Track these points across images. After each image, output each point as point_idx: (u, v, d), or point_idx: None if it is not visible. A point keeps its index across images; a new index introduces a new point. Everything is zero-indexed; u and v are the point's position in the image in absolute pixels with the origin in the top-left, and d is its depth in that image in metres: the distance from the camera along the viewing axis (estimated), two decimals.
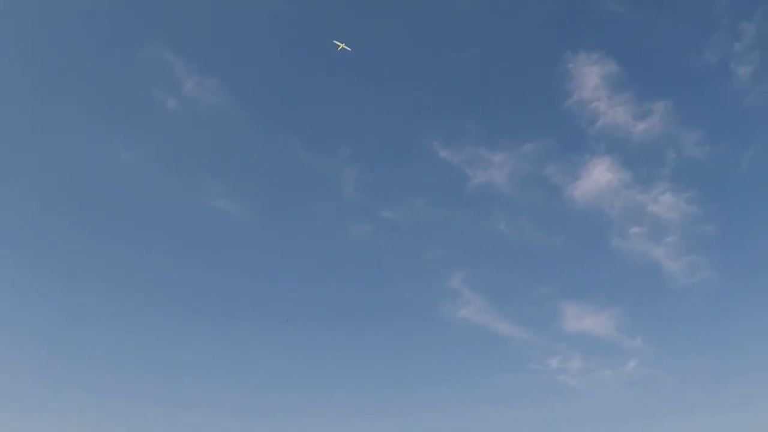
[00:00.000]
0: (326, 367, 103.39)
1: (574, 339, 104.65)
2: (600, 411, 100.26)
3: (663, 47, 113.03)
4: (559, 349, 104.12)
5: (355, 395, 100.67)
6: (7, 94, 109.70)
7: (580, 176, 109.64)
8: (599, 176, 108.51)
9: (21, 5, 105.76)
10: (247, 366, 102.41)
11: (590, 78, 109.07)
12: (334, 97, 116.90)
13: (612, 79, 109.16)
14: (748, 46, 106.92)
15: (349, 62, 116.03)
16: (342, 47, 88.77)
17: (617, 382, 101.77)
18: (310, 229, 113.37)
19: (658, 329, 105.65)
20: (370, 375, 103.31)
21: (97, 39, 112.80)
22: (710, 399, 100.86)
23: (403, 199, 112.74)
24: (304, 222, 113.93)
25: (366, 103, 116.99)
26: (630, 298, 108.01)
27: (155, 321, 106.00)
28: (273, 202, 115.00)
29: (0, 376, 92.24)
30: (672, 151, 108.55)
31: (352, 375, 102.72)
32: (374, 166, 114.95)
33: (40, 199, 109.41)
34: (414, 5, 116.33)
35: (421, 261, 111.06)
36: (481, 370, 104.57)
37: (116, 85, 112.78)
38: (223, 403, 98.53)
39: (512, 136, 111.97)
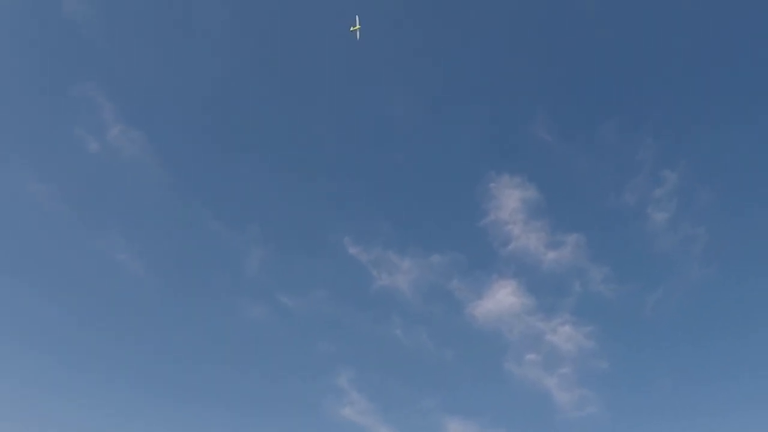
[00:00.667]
0: None
1: None
2: None
3: (585, 182, 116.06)
4: None
5: None
6: None
7: (484, 295, 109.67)
8: (503, 298, 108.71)
9: None
10: None
11: (509, 200, 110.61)
12: (254, 175, 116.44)
13: (531, 204, 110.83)
14: (668, 194, 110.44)
15: (274, 146, 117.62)
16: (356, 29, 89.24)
17: None
18: (207, 299, 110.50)
19: None
20: None
21: (29, 68, 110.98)
22: None
23: (305, 287, 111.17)
24: (202, 292, 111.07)
25: (284, 187, 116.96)
26: (516, 423, 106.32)
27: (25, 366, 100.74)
28: (175, 266, 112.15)
29: None
30: (578, 285, 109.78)
31: None
32: (281, 250, 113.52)
33: None
34: (346, 98, 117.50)
35: (312, 353, 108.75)
36: None
37: (38, 116, 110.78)
38: None
39: (423, 245, 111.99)
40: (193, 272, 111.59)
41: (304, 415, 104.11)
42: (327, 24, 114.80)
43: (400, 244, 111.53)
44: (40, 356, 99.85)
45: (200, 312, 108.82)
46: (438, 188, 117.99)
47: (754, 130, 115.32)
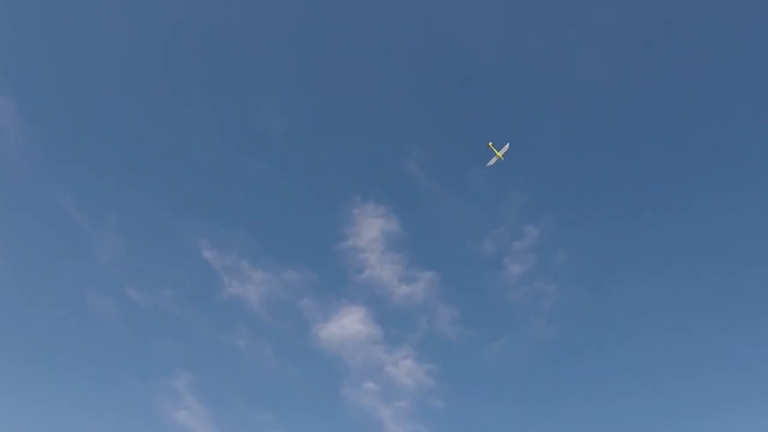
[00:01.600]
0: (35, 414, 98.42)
1: None
2: None
3: (448, 223, 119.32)
4: None
5: None
6: None
7: (332, 318, 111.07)
8: (350, 324, 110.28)
9: None
10: None
11: (370, 229, 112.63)
12: (117, 166, 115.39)
13: (391, 236, 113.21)
14: (526, 248, 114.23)
15: (139, 136, 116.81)
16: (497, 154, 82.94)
17: None
18: (53, 286, 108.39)
19: None
20: None
21: None
22: None
23: (154, 284, 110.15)
24: (49, 277, 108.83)
25: (146, 182, 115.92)
26: None
27: None
28: (24, 247, 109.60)
29: None
30: (425, 322, 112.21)
31: None
32: (134, 243, 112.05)
33: None
34: (230, 107, 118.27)
35: (154, 352, 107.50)
36: None
37: None
38: None
39: (278, 259, 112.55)
40: (42, 256, 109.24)
41: (137, 415, 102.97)
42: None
43: (256, 254, 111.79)
44: None
45: (44, 300, 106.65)
46: (302, 205, 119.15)
47: (622, 196, 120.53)
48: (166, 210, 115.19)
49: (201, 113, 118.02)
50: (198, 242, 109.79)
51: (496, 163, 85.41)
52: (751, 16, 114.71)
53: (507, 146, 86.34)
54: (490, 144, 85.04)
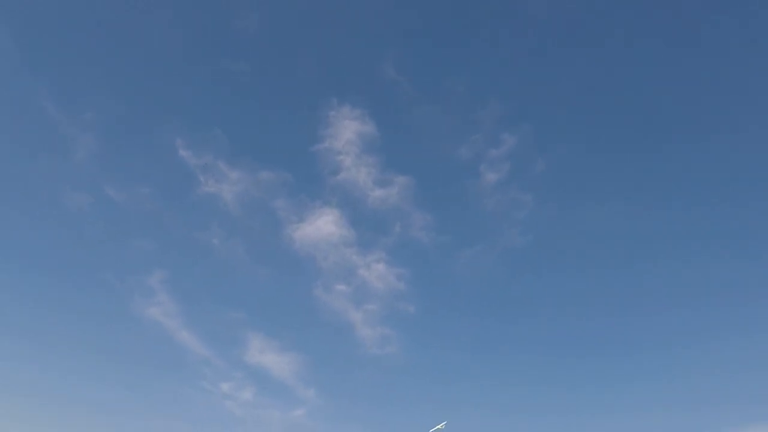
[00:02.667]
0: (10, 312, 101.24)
1: (252, 370, 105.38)
2: None
3: (425, 128, 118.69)
4: (235, 376, 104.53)
5: (25, 345, 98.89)
6: None
7: (306, 219, 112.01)
8: (323, 226, 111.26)
9: None
10: None
11: (346, 131, 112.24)
12: (94, 61, 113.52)
13: (366, 139, 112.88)
14: (502, 156, 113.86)
15: (122, 36, 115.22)
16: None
17: (282, 425, 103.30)
18: (29, 182, 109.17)
19: (334, 386, 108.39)
20: (44, 334, 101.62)
21: None
22: None
23: (131, 182, 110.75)
24: (26, 174, 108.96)
25: (123, 79, 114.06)
26: (316, 350, 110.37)
27: None
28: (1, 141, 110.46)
29: None
30: (399, 226, 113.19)
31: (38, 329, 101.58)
32: (112, 141, 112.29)
33: None
34: (203, 5, 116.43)
35: (129, 249, 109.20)
36: (154, 371, 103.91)
37: None
38: None
39: (254, 158, 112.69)
40: (20, 153, 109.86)
41: (110, 311, 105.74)
42: None
43: (231, 154, 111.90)
44: None
45: (22, 193, 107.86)
46: (278, 105, 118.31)
47: (601, 106, 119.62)
48: (142, 109, 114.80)
49: (174, 11, 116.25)
50: (174, 141, 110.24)
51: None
52: None
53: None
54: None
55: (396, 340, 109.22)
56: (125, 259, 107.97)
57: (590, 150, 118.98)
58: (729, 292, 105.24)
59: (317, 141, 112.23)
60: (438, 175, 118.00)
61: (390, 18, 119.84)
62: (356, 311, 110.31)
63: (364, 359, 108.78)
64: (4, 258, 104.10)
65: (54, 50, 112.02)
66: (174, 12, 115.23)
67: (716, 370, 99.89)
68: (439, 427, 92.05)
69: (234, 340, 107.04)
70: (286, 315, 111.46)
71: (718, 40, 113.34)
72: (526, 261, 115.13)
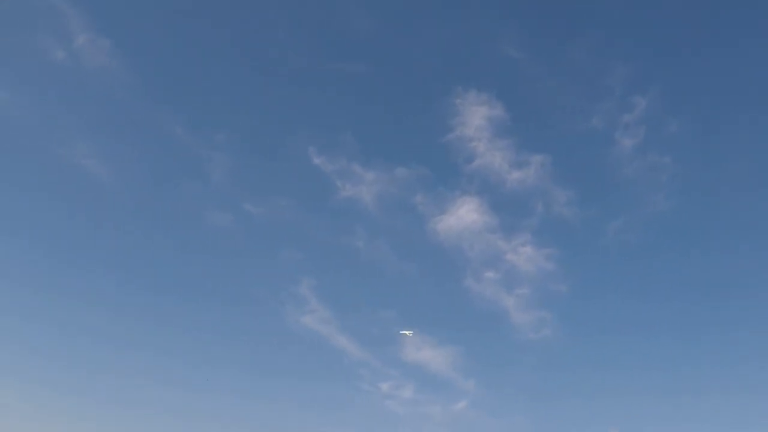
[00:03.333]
0: (154, 336, 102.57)
1: (410, 368, 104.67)
2: None
3: (553, 103, 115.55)
4: (393, 375, 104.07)
5: (182, 368, 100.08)
6: None
7: (447, 211, 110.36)
8: (465, 215, 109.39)
9: None
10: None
11: (475, 117, 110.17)
12: (221, 84, 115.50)
13: (496, 122, 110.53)
14: (637, 120, 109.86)
15: (242, 54, 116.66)
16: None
17: (444, 419, 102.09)
18: (171, 205, 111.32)
19: (493, 375, 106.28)
20: (203, 353, 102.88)
21: None
22: None
23: (269, 196, 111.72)
24: (167, 198, 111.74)
25: (251, 96, 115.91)
26: (472, 340, 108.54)
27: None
28: (141, 171, 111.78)
29: None
30: (541, 206, 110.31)
31: (183, 349, 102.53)
32: (246, 158, 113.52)
33: None
34: (314, 9, 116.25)
35: (275, 261, 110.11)
36: (312, 377, 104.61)
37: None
38: None
39: (387, 158, 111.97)
40: (159, 178, 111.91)
41: (266, 321, 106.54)
42: None
43: (365, 155, 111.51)
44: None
45: (166, 219, 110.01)
46: (404, 101, 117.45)
47: (728, 60, 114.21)
48: (270, 122, 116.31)
49: (289, 21, 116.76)
50: (306, 149, 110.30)
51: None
52: None
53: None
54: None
55: (551, 322, 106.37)
56: (273, 272, 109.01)
57: (725, 105, 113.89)
58: None
59: (448, 131, 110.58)
60: (573, 148, 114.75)
61: None
62: (508, 297, 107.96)
63: (521, 345, 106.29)
64: (158, 286, 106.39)
65: (177, 78, 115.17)
66: (289, 21, 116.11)
67: None
68: (407, 333, 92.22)
69: (388, 339, 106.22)
70: (437, 309, 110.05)
71: None
72: (674, 226, 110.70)
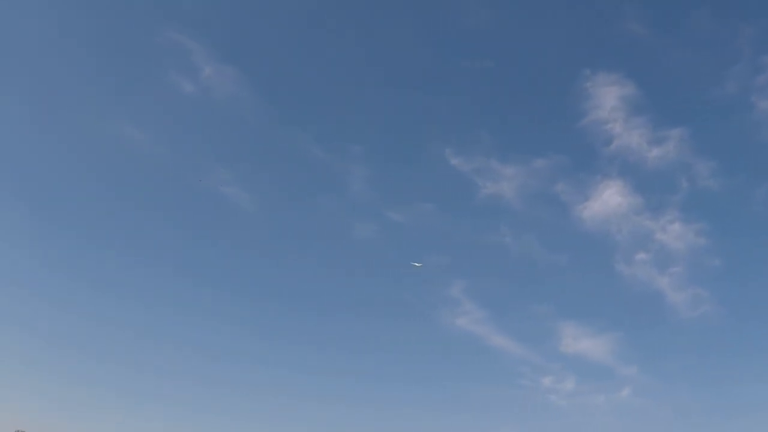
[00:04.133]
0: (315, 357, 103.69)
1: (570, 360, 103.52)
2: None
3: (683, 73, 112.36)
4: (553, 369, 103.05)
5: (343, 385, 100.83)
6: (24, 72, 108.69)
7: (590, 197, 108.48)
8: (609, 198, 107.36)
9: None
10: (239, 345, 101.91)
11: (607, 98, 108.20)
12: (350, 96, 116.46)
13: (630, 101, 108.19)
14: None
15: (367, 63, 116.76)
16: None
17: (608, 409, 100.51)
18: (315, 223, 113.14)
19: (655, 359, 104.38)
20: (362, 368, 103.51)
21: (116, 21, 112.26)
22: None
23: (411, 202, 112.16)
24: (310, 216, 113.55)
25: (381, 105, 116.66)
26: (630, 325, 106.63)
27: (162, 293, 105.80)
28: (281, 194, 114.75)
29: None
30: (685, 180, 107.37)
31: (342, 367, 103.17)
32: (384, 167, 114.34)
33: (47, 169, 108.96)
34: (433, 11, 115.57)
35: (423, 266, 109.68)
36: (472, 380, 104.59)
37: (130, 65, 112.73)
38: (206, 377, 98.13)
39: (525, 150, 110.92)
40: (299, 198, 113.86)
41: (420, 324, 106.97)
42: None
43: (502, 151, 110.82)
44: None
45: (310, 235, 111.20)
46: (534, 92, 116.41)
47: None
48: (403, 129, 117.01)
49: (409, 24, 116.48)
50: (443, 152, 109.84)
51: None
52: None
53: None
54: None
55: (708, 299, 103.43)
56: (422, 278, 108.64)
57: None
58: None
59: (582, 116, 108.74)
60: (710, 117, 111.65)
61: None
62: (661, 277, 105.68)
63: (679, 325, 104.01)
64: (308, 306, 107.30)
65: (305, 96, 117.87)
66: (410, 27, 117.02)
67: None
68: (416, 264, 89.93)
69: (546, 333, 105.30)
70: (591, 297, 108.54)
71: None
72: None
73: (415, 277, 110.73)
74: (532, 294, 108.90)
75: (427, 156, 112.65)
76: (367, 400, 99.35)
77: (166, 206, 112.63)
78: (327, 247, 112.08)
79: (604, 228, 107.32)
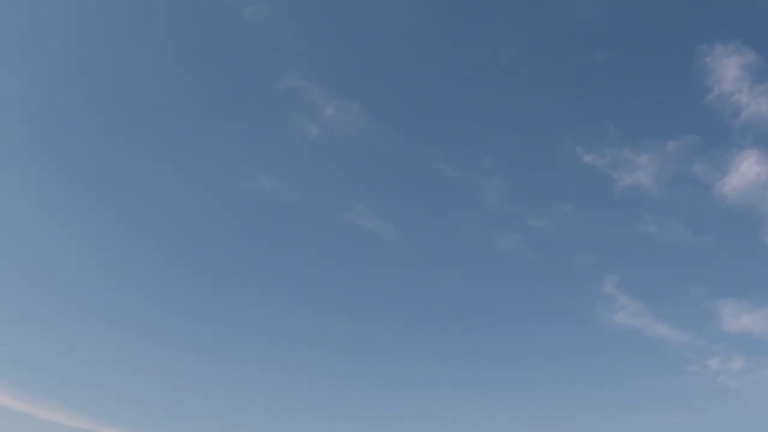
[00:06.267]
0: (476, 371, 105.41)
1: (734, 338, 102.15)
2: (763, 411, 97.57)
3: None
4: (718, 350, 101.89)
5: (509, 397, 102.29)
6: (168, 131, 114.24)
7: (729, 171, 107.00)
8: (747, 170, 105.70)
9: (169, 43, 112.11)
10: (397, 371, 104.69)
11: (729, 70, 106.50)
12: (470, 109, 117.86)
13: (751, 69, 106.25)
14: None
15: (478, 71, 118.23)
16: None
17: None
18: (455, 241, 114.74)
19: None
20: (522, 378, 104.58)
21: (238, 74, 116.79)
22: None
23: (549, 206, 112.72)
24: (450, 235, 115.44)
25: (503, 113, 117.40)
26: None
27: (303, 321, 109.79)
28: (418, 218, 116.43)
29: None
30: None
31: (504, 378, 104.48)
32: (517, 176, 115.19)
33: (190, 225, 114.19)
34: (538, 9, 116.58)
35: (572, 267, 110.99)
36: (637, 374, 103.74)
37: (258, 115, 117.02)
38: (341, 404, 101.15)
39: (654, 136, 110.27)
40: (436, 219, 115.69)
41: (577, 326, 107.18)
42: None
43: (632, 140, 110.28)
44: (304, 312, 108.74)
45: (452, 254, 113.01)
46: (652, 76, 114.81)
47: None
48: (531, 132, 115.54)
49: (516, 23, 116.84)
50: (574, 150, 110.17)
51: None
52: None
53: None
54: None
55: None
56: (573, 280, 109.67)
57: None
58: None
59: (706, 92, 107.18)
60: None
61: None
62: None
63: None
64: (454, 319, 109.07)
65: (427, 115, 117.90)
66: (518, 26, 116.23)
67: None
68: None
69: (705, 315, 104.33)
70: (744, 272, 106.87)
71: None
72: None
73: (565, 280, 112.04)
74: (684, 278, 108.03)
75: (558, 157, 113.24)
76: (528, 409, 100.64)
77: (309, 249, 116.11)
78: (471, 264, 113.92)
79: (747, 200, 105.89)
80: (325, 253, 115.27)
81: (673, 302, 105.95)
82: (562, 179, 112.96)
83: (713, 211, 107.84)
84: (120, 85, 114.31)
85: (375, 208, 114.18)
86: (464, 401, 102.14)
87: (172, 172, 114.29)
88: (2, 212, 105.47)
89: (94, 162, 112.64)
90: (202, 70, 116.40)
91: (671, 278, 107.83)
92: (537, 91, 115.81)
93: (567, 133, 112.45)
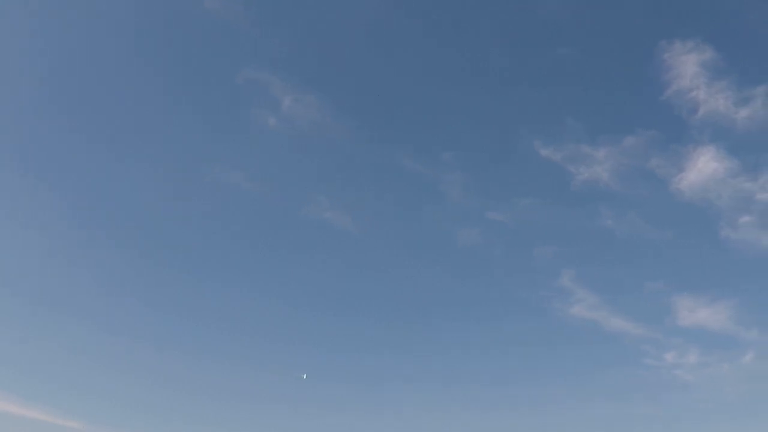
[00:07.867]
0: (438, 364, 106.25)
1: (689, 333, 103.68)
2: (717, 406, 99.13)
3: (760, 31, 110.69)
4: (675, 344, 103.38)
5: (471, 389, 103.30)
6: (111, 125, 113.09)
7: (685, 167, 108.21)
8: (704, 166, 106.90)
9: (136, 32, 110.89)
10: (361, 365, 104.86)
11: (687, 66, 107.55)
12: (431, 104, 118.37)
13: (710, 66, 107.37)
14: None
15: (440, 67, 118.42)
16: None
17: (735, 376, 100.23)
18: (417, 235, 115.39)
19: None
20: (484, 370, 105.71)
21: (198, 65, 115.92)
22: None
23: (508, 200, 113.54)
24: (412, 229, 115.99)
25: (464, 108, 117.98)
26: (743, 289, 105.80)
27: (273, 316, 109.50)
28: (379, 212, 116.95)
29: None
30: None
31: (466, 371, 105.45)
32: (477, 170, 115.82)
33: (159, 218, 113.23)
34: (500, 5, 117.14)
35: (531, 261, 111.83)
36: (594, 367, 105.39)
37: (216, 107, 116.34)
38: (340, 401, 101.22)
39: (613, 131, 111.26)
40: (398, 213, 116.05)
41: (534, 319, 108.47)
42: None
43: (590, 135, 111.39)
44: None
45: (414, 247, 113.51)
46: (612, 71, 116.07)
47: None
48: (491, 127, 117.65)
49: (482, 19, 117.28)
50: (532, 144, 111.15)
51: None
52: None
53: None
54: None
55: None
56: (531, 273, 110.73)
57: None
58: None
59: (664, 88, 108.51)
60: None
61: None
62: None
63: None
64: (414, 312, 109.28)
65: (388, 109, 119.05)
66: (484, 22, 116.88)
67: None
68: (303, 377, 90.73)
69: (662, 309, 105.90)
70: (701, 267, 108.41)
71: None
72: None
73: (523, 273, 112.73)
74: (642, 272, 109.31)
75: (517, 151, 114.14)
76: (489, 402, 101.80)
77: (270, 240, 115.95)
78: (433, 257, 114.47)
79: (703, 196, 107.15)
80: (286, 245, 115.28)
81: (629, 296, 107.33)
82: (522, 173, 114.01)
83: (670, 206, 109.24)
84: (79, 79, 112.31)
85: (336, 202, 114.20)
86: (428, 393, 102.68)
87: (134, 164, 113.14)
88: None
89: (54, 159, 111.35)
90: (162, 61, 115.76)
91: (628, 272, 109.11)
92: (498, 86, 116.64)
93: (527, 127, 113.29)
